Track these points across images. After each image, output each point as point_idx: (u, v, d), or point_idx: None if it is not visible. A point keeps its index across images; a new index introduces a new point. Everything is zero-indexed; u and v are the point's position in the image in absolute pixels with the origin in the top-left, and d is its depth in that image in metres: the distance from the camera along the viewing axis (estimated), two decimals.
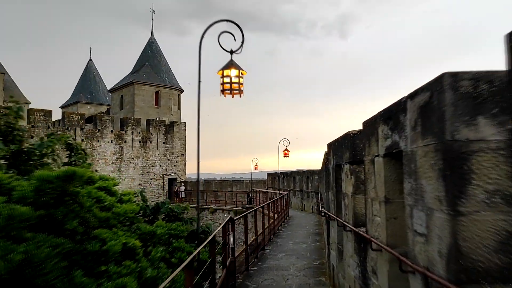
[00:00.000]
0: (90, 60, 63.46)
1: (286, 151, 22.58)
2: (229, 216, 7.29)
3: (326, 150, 8.22)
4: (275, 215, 17.31)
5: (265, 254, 10.55)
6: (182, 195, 40.67)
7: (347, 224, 5.10)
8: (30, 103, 49.15)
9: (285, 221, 19.14)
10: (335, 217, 6.29)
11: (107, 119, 38.99)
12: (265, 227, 12.19)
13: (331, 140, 7.09)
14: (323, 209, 8.21)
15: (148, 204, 10.48)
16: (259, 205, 28.85)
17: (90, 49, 75.49)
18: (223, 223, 6.86)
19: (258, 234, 10.42)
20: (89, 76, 61.62)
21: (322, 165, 14.27)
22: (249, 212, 9.67)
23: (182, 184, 42.10)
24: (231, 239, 7.12)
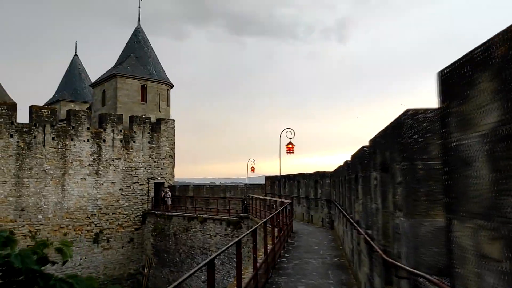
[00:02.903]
0: (76, 55, 58.82)
1: (290, 145, 17.74)
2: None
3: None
4: (276, 232, 12.42)
5: None
6: (169, 201, 35.75)
7: None
8: (15, 103, 44.20)
9: (288, 240, 14.22)
10: None
11: (83, 115, 34.01)
12: (258, 263, 7.29)
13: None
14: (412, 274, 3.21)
15: None
16: (256, 214, 24.00)
17: (76, 43, 70.82)
18: None
19: (244, 284, 5.53)
20: (74, 72, 57.01)
21: (351, 159, 9.33)
22: (218, 255, 4.79)
23: (169, 189, 37.14)
24: None
